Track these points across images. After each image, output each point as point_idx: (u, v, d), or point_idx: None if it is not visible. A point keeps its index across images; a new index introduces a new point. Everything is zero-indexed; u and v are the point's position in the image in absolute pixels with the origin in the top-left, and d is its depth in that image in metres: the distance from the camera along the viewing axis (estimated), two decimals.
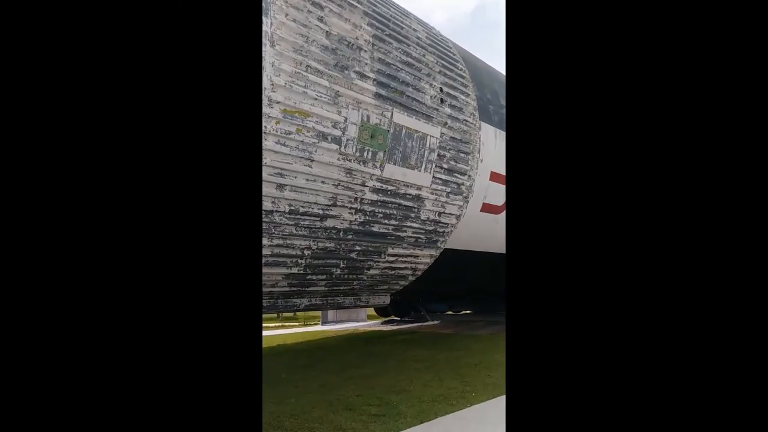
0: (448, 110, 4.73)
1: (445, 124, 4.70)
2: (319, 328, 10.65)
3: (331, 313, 12.42)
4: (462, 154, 4.99)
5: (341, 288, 5.04)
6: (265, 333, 9.50)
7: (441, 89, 4.66)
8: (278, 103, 3.32)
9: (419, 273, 5.57)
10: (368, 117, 3.92)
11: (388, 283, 5.52)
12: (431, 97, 4.53)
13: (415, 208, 4.69)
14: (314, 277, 4.51)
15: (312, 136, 3.58)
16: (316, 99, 3.54)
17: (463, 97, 4.98)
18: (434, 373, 3.67)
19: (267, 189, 3.48)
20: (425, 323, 9.20)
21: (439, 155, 4.68)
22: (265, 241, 3.76)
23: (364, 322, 11.27)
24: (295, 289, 4.55)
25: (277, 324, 13.88)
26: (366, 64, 3.90)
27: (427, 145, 4.52)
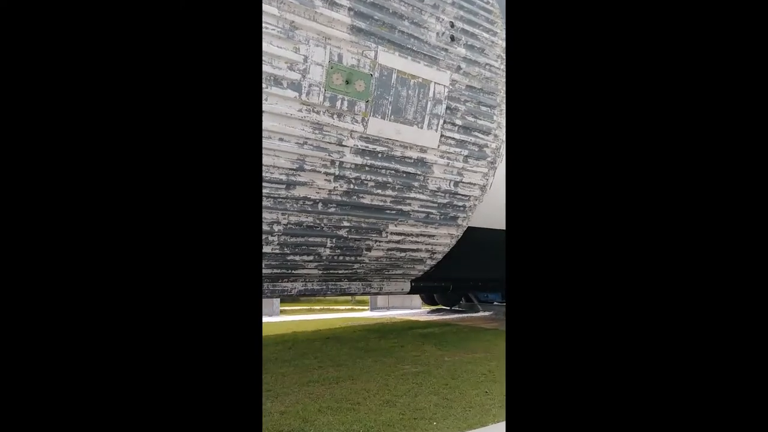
0: (462, 51, 3.73)
1: (458, 68, 3.71)
2: (364, 314, 10.09)
3: (381, 300, 11.82)
4: (484, 108, 3.97)
5: (340, 272, 4.31)
6: (292, 318, 9.15)
7: (452, 24, 3.68)
8: None
9: (439, 256, 4.66)
10: (340, 56, 3.10)
11: (401, 267, 4.69)
12: (438, 33, 3.58)
13: (419, 175, 3.79)
14: (297, 258, 3.83)
15: None
16: (262, 32, 2.79)
17: (486, 36, 3.93)
18: (417, 384, 2.84)
19: None
20: (474, 314, 8.22)
21: (449, 108, 3.72)
22: None
23: (416, 310, 10.53)
24: (277, 271, 3.92)
25: (322, 307, 13.69)
26: None
27: (431, 95, 3.58)
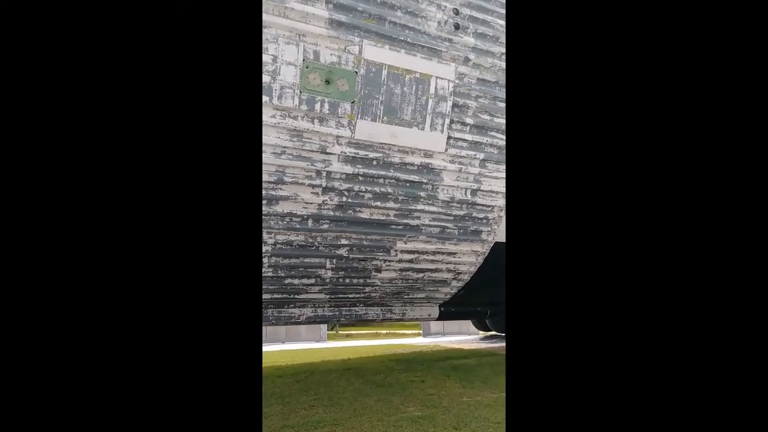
0: (471, 41, 3.26)
1: (466, 60, 3.24)
2: (414, 341, 9.54)
3: (435, 325, 11.17)
4: (501, 104, 3.43)
5: (350, 296, 3.91)
6: (341, 344, 8.77)
7: (456, 11, 3.23)
8: None
9: (465, 277, 4.09)
10: (316, 54, 2.77)
11: (423, 290, 4.18)
12: (439, 23, 3.15)
13: (425, 184, 3.32)
14: (296, 281, 3.48)
15: None
16: None
17: (501, 23, 3.43)
18: None
19: None
20: None
21: (456, 106, 3.24)
22: None
23: (471, 336, 9.78)
24: (278, 296, 3.60)
25: (388, 331, 13.18)
26: None
27: (432, 91, 3.14)
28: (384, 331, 13.64)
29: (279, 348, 8.04)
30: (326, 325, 10.45)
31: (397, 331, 13.26)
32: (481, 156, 3.44)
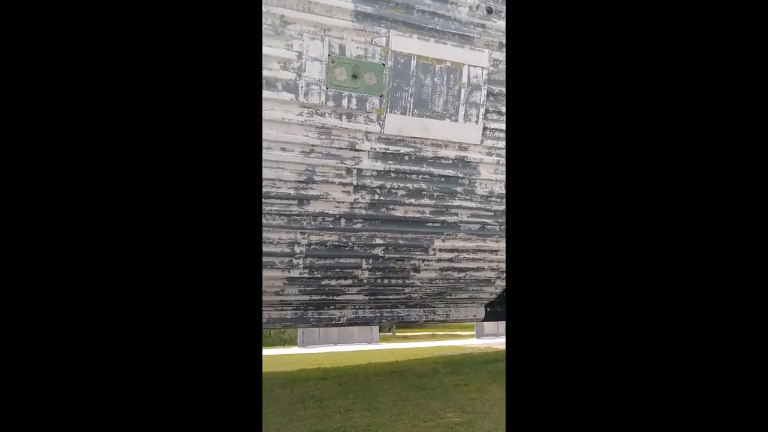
0: (505, 24, 3.07)
1: (501, 45, 3.06)
2: (467, 342, 9.29)
3: (489, 326, 10.82)
4: None
5: (390, 297, 3.81)
6: (396, 345, 8.66)
7: None
8: None
9: None
10: (342, 48, 2.71)
11: (466, 290, 4.00)
12: (471, 8, 2.99)
13: (462, 178, 3.16)
14: (334, 282, 3.44)
15: None
16: None
17: None
18: None
19: None
20: None
21: (492, 94, 3.07)
22: None
23: None
24: (316, 297, 3.57)
25: (445, 333, 12.93)
26: None
27: (465, 80, 2.98)
28: (441, 333, 13.44)
29: (329, 350, 8.10)
30: (377, 327, 10.42)
31: (454, 333, 13.00)
32: None
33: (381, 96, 2.82)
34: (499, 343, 8.33)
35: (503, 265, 3.74)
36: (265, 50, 2.58)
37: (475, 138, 3.09)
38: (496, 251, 3.61)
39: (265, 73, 2.60)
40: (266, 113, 2.65)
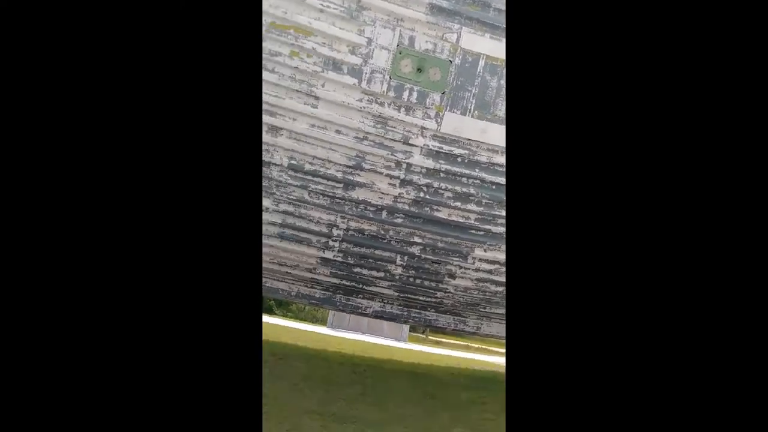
0: None
1: None
2: (500, 360, 9.00)
3: None
4: None
5: (420, 298, 3.75)
6: (423, 348, 8.55)
7: None
8: (264, 12, 2.52)
9: None
10: (412, 39, 2.67)
11: (502, 305, 3.85)
12: None
13: None
14: (365, 272, 3.43)
15: (315, 63, 2.62)
16: (322, 11, 2.57)
17: None
18: None
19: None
20: None
21: None
22: (268, 203, 2.99)
23: None
24: (346, 282, 3.58)
25: (479, 346, 12.61)
26: None
27: None
28: (475, 345, 13.14)
29: (356, 337, 8.16)
30: (408, 327, 10.36)
31: (490, 348, 12.66)
32: None
33: (443, 93, 2.76)
34: None
35: None
36: (336, 32, 2.59)
37: None
38: None
39: (332, 54, 2.62)
40: (327, 93, 2.67)
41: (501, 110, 2.83)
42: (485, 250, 3.29)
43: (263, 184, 2.89)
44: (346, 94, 2.69)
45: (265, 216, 3.07)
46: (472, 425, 2.69)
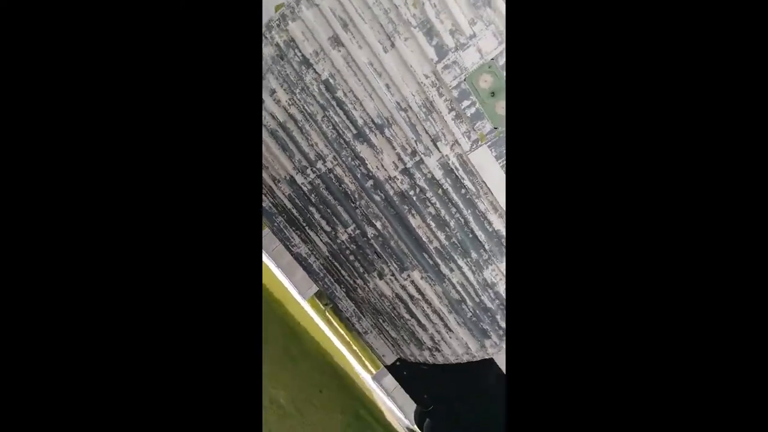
0: None
1: None
2: (364, 375, 9.12)
3: (390, 380, 10.57)
4: None
5: (342, 273, 3.71)
6: None
7: None
8: None
9: (440, 358, 3.70)
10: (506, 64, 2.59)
11: (398, 331, 3.86)
12: None
13: (486, 252, 3.01)
14: (316, 216, 3.37)
15: (414, 15, 2.51)
16: None
17: None
18: None
19: None
20: None
21: None
22: (284, 97, 2.88)
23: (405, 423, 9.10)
24: (295, 212, 3.51)
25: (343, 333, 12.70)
26: None
27: None
28: (355, 348, 13.20)
29: (270, 264, 8.10)
30: (316, 289, 10.34)
31: (363, 358, 12.75)
32: None
33: (495, 128, 2.70)
34: (382, 401, 8.12)
35: (446, 348, 3.58)
36: (453, 9, 2.48)
37: None
38: (452, 331, 3.45)
39: (434, 20, 2.51)
40: (404, 48, 2.57)
41: None
42: (422, 278, 3.28)
43: (292, 81, 2.78)
44: (419, 62, 2.60)
45: (272, 105, 2.96)
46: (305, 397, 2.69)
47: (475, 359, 3.50)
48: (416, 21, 2.51)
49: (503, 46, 2.55)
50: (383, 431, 5.07)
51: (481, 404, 4.01)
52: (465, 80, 2.61)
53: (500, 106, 2.66)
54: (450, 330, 3.46)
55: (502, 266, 3.03)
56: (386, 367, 4.35)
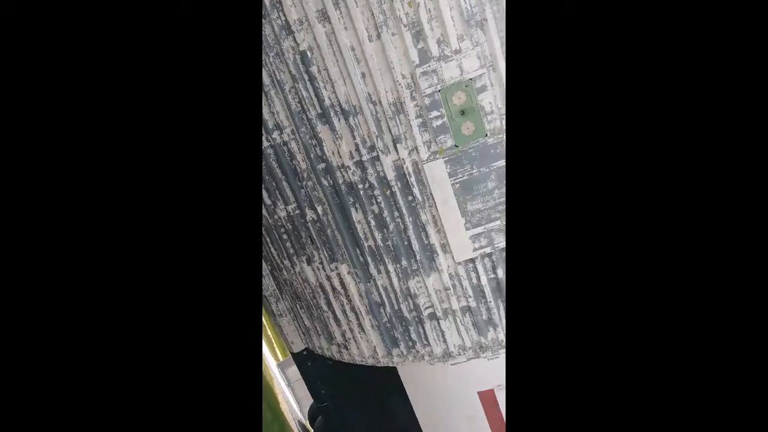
0: None
1: None
2: (270, 362, 8.95)
3: (294, 371, 10.45)
4: None
5: (272, 248, 3.61)
6: None
7: None
8: None
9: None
10: (483, 87, 2.63)
11: (310, 313, 3.81)
12: None
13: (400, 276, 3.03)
14: (263, 185, 3.26)
15: (407, 13, 2.50)
16: None
17: None
18: None
19: None
20: None
21: None
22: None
23: None
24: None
25: None
26: None
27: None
28: (269, 334, 12.89)
29: None
30: None
31: (274, 345, 12.47)
32: None
33: (456, 146, 2.73)
34: (281, 390, 8.00)
35: (354, 347, 3.56)
36: (448, 19, 2.49)
37: (462, 255, 2.98)
38: (368, 339, 3.44)
39: (425, 24, 2.50)
40: (388, 42, 2.54)
41: (475, 204, 2.84)
42: (348, 273, 3.25)
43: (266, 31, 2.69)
44: (400, 60, 2.58)
45: None
46: None
47: (379, 364, 3.51)
48: (408, 20, 2.50)
49: (484, 70, 2.59)
50: (272, 419, 4.98)
51: (375, 412, 4.02)
52: (439, 91, 2.63)
53: (466, 127, 2.70)
54: (363, 330, 3.45)
55: (428, 280, 3.06)
56: (292, 354, 4.27)
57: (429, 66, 2.58)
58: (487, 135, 2.71)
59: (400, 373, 3.49)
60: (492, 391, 3.27)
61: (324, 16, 2.57)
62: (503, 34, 2.52)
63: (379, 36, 2.54)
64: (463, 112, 2.67)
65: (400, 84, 2.63)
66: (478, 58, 2.57)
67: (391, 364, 3.47)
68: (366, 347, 3.47)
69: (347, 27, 2.56)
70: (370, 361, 3.54)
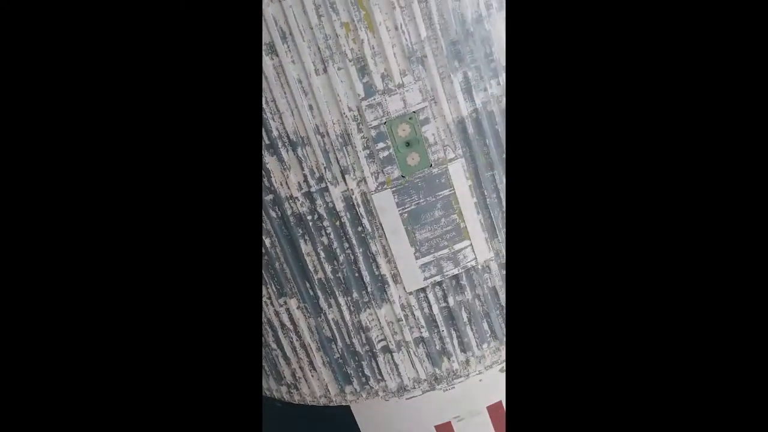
0: None
1: None
2: None
3: None
4: None
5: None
6: None
7: None
8: None
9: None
10: (426, 120, 2.73)
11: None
12: None
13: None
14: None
15: (355, 41, 2.59)
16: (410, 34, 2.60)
17: None
18: None
19: None
20: None
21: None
22: None
23: None
24: None
25: None
26: None
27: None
28: None
29: None
30: None
31: None
32: None
33: (403, 177, 2.78)
34: None
35: (304, 386, 3.41)
36: (387, 54, 2.60)
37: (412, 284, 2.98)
38: (319, 377, 3.31)
39: (371, 64, 2.60)
40: (335, 75, 2.61)
41: (426, 232, 2.88)
42: (298, 307, 3.16)
43: None
44: (346, 93, 2.65)
45: None
46: None
47: (332, 404, 3.37)
48: (352, 55, 2.59)
49: (426, 103, 2.70)
50: None
51: None
52: (385, 124, 2.70)
53: (412, 158, 2.77)
54: (314, 368, 3.33)
55: (380, 312, 3.02)
56: None
57: (374, 99, 2.66)
58: (431, 165, 2.79)
59: (353, 412, 3.36)
60: (450, 423, 3.19)
61: (272, 50, 2.62)
62: (443, 69, 2.66)
63: (325, 69, 2.61)
64: (408, 144, 2.75)
65: (346, 116, 2.68)
66: (420, 92, 2.68)
67: (344, 403, 3.34)
68: (317, 386, 3.33)
69: (294, 60, 2.62)
70: (322, 401, 3.39)
